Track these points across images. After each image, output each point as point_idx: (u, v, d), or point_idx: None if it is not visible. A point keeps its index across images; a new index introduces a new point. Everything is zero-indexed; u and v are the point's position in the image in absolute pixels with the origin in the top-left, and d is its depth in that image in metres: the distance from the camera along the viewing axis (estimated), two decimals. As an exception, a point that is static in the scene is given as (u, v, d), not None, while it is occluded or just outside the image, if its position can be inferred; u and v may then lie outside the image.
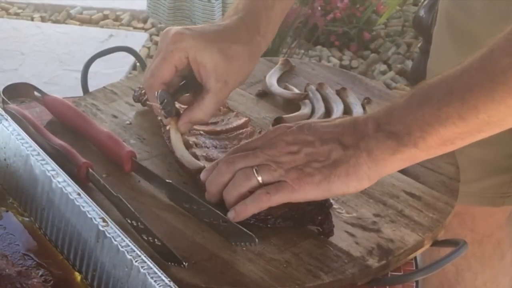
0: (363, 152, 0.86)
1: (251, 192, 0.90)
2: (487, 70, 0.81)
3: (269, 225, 0.92)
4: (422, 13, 2.26)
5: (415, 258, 0.95)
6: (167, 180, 0.97)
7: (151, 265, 0.76)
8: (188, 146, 1.02)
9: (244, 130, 1.08)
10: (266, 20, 1.03)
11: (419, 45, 2.36)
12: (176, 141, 1.02)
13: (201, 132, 1.06)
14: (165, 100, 0.97)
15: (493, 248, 1.38)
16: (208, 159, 1.01)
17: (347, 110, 1.15)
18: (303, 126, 0.91)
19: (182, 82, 1.00)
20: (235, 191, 0.90)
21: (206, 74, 0.98)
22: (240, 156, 0.91)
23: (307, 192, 0.88)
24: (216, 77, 0.98)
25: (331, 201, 0.95)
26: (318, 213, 0.92)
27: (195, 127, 1.06)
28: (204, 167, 0.97)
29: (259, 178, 0.89)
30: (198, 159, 1.00)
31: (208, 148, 1.03)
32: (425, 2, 2.28)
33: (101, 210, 0.83)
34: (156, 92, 0.98)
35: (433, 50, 1.34)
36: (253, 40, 1.02)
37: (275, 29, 1.05)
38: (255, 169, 0.89)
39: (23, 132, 0.97)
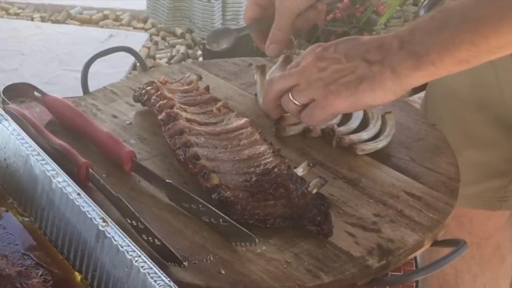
0: (387, 69, 0.92)
1: None
2: (498, 4, 0.87)
3: (268, 225, 0.93)
4: (422, 13, 2.25)
5: (415, 258, 0.95)
6: (167, 180, 0.97)
7: (151, 265, 0.76)
8: (188, 145, 1.02)
9: (244, 130, 1.08)
10: None
11: (419, 45, 2.35)
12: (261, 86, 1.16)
13: (202, 132, 1.06)
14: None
15: (493, 251, 1.38)
16: (209, 159, 1.01)
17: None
18: (332, 44, 0.98)
19: None
20: (289, 113, 1.03)
21: None
22: (277, 77, 1.01)
23: (336, 106, 0.96)
24: None
25: (330, 201, 0.96)
26: (318, 214, 0.92)
27: (196, 127, 1.06)
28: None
29: (295, 101, 0.98)
30: (200, 158, 1.00)
31: (208, 148, 1.03)
32: (425, 2, 2.28)
33: (101, 210, 0.84)
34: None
35: None
36: None
37: None
38: (291, 94, 0.98)
39: (23, 132, 0.97)
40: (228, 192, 0.94)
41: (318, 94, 0.96)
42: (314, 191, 0.93)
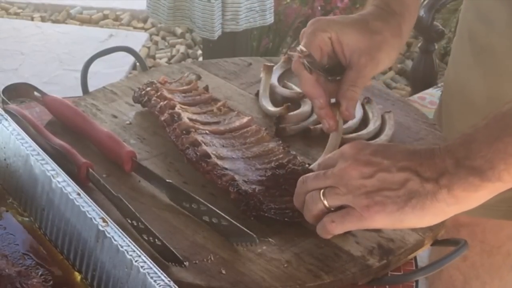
0: (443, 189, 0.82)
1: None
2: None
3: (286, 219, 0.93)
4: (422, 12, 2.25)
5: (415, 258, 0.95)
6: (167, 180, 0.97)
7: (151, 265, 0.76)
8: (196, 144, 1.02)
9: (249, 128, 1.08)
10: (399, 2, 1.03)
11: (419, 45, 2.35)
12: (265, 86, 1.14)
13: (206, 131, 1.06)
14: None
15: (503, 259, 1.37)
16: (219, 157, 1.01)
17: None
18: (378, 148, 0.86)
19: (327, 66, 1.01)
20: (307, 213, 0.89)
21: (349, 51, 0.97)
22: (312, 177, 0.88)
23: (376, 221, 0.84)
24: (359, 52, 0.97)
25: None
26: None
27: (199, 127, 1.06)
28: None
29: (325, 202, 0.86)
30: (210, 157, 1.00)
31: (216, 147, 1.04)
32: (425, 1, 2.28)
33: (101, 210, 0.83)
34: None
35: (452, 62, 1.32)
36: (392, 19, 1.02)
37: (411, 9, 1.05)
38: (322, 193, 0.86)
39: (23, 132, 0.97)
40: (245, 186, 0.95)
41: (359, 203, 0.83)
42: None
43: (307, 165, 0.99)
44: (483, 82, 1.19)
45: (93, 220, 0.82)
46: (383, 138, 1.09)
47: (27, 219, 0.93)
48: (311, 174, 0.89)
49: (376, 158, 0.85)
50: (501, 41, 1.16)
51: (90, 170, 0.99)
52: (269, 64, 1.23)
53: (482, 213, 1.26)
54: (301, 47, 1.00)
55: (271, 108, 1.16)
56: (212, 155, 1.01)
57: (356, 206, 0.84)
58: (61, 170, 0.90)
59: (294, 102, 1.17)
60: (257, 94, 1.21)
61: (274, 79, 1.22)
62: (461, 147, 0.83)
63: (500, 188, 0.82)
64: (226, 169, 0.99)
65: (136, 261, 0.76)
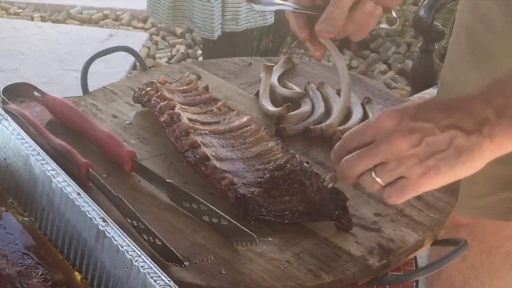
0: (486, 138, 0.84)
1: None
2: None
3: (286, 221, 0.93)
4: (422, 12, 2.25)
5: (415, 258, 0.95)
6: (168, 180, 0.97)
7: (151, 265, 0.76)
8: (196, 145, 1.02)
9: (248, 128, 1.08)
10: None
11: (419, 45, 2.35)
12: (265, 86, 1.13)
13: (206, 131, 1.06)
14: None
15: (502, 260, 1.37)
16: (218, 158, 1.01)
17: (347, 110, 1.15)
18: (415, 113, 0.86)
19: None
20: (370, 191, 0.89)
21: None
22: (357, 158, 0.87)
23: (433, 185, 0.86)
24: None
25: (345, 195, 0.95)
26: (335, 208, 0.92)
27: (199, 127, 1.07)
28: None
29: (379, 181, 0.86)
30: (209, 159, 1.00)
31: (216, 147, 1.04)
32: (425, 1, 2.27)
33: (101, 210, 0.83)
34: None
35: (448, 61, 1.32)
36: None
37: None
38: (374, 172, 0.86)
39: (23, 132, 0.97)
40: (244, 190, 0.95)
41: (414, 173, 0.84)
42: (330, 185, 0.93)
43: (305, 164, 0.99)
44: (480, 82, 1.18)
45: (93, 220, 0.82)
46: (383, 138, 1.09)
47: (27, 219, 0.93)
48: (353, 154, 0.88)
49: (418, 123, 0.85)
50: (497, 41, 1.16)
51: (90, 170, 0.99)
52: (269, 64, 1.23)
53: (481, 214, 1.26)
54: None
55: (271, 108, 1.16)
56: (211, 157, 1.00)
57: (412, 176, 0.85)
58: (61, 170, 0.90)
59: (294, 102, 1.17)
60: (257, 94, 1.21)
61: (274, 79, 1.22)
62: (500, 95, 0.84)
63: None
64: (225, 171, 0.98)
65: (136, 261, 0.76)
